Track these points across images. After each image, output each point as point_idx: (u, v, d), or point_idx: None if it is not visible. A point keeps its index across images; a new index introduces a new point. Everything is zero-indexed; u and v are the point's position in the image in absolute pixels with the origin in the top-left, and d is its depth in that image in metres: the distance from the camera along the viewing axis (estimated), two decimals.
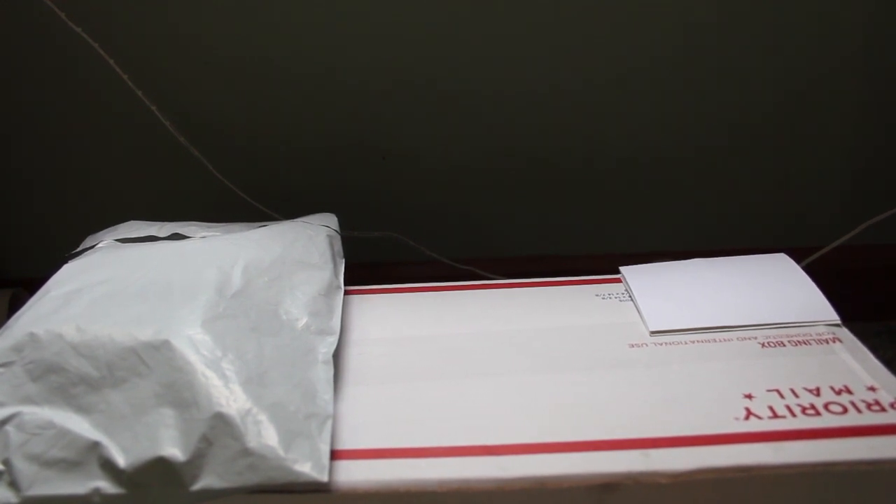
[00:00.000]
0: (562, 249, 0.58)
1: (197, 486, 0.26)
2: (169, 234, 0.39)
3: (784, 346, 0.33)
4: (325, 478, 0.26)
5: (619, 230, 0.58)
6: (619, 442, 0.28)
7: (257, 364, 0.29)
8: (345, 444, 0.28)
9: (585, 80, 0.52)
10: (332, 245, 0.39)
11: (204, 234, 0.39)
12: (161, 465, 0.26)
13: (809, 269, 0.49)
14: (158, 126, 0.52)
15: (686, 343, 0.34)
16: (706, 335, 0.34)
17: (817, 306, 0.35)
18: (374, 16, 0.49)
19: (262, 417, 0.27)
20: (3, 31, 0.49)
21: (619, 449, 0.27)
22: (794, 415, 0.29)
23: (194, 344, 0.29)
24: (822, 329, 0.34)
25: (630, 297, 0.38)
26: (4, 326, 0.31)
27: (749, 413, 0.29)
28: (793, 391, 0.30)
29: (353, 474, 0.27)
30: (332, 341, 0.32)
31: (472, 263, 0.57)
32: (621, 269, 0.40)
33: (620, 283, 0.39)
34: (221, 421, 0.27)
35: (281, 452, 0.26)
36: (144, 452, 0.26)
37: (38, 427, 0.27)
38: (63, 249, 0.57)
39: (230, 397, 0.27)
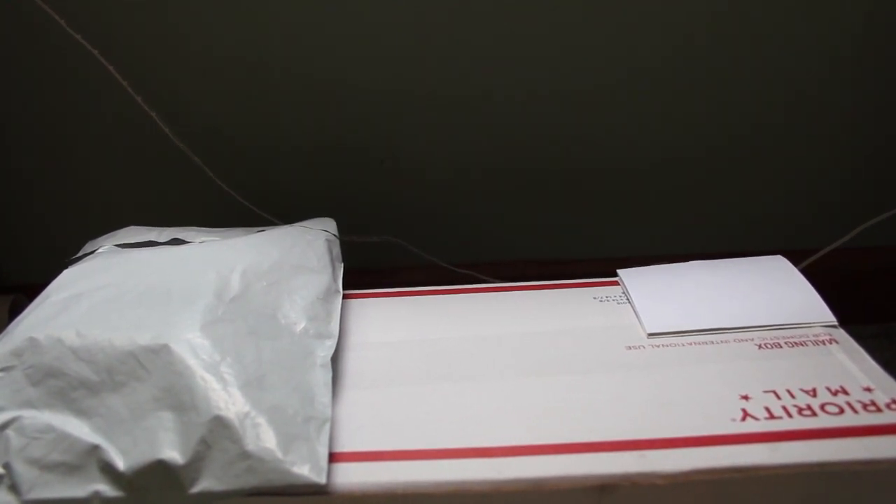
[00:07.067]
0: (560, 253, 0.59)
1: (196, 489, 0.26)
2: (168, 239, 0.39)
3: (781, 347, 0.33)
4: (323, 480, 0.26)
5: (616, 234, 0.58)
6: (616, 443, 0.28)
7: (256, 368, 0.29)
8: (343, 446, 0.28)
9: (584, 85, 0.52)
10: (330, 249, 0.39)
11: (203, 239, 0.39)
12: (160, 468, 0.26)
13: (807, 272, 0.49)
14: (158, 132, 0.52)
15: (683, 345, 0.34)
16: (703, 337, 0.34)
17: (814, 308, 0.35)
18: (373, 21, 0.49)
19: (261, 420, 0.27)
20: (3, 37, 0.50)
21: (616, 450, 0.28)
22: (790, 416, 0.29)
23: (193, 348, 0.29)
24: (818, 330, 0.34)
25: (627, 299, 0.38)
26: (5, 332, 0.32)
27: (746, 414, 0.29)
28: (789, 392, 0.30)
29: (351, 477, 0.27)
30: (330, 345, 0.32)
31: (471, 267, 0.57)
32: (619, 271, 0.40)
33: (618, 286, 0.39)
34: (220, 424, 0.27)
35: (279, 455, 0.26)
36: (144, 456, 0.26)
37: (37, 431, 0.27)
38: (63, 255, 0.57)
39: (229, 401, 0.27)
